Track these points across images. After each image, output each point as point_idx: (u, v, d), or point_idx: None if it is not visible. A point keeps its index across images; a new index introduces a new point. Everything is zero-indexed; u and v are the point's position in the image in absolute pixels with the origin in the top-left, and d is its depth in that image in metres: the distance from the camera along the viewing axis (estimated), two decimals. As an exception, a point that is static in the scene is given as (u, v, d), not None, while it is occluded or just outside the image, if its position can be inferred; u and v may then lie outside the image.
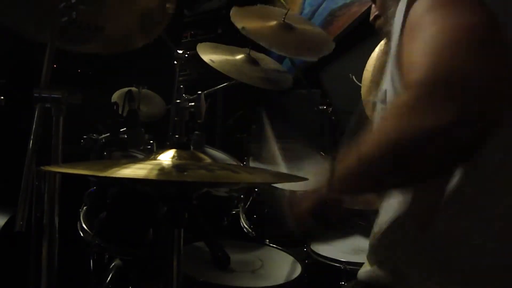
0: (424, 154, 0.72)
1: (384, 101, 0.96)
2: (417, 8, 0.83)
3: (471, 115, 0.68)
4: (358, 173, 0.81)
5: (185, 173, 0.78)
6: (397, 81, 0.90)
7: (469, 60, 0.72)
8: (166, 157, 0.87)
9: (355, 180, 0.84)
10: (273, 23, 1.98)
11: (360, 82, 1.73)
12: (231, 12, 1.90)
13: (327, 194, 0.91)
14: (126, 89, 2.11)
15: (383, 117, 0.79)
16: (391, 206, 1.00)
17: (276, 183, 1.76)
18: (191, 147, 1.05)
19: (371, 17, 1.19)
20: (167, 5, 1.39)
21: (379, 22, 1.16)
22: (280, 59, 2.58)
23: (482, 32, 0.75)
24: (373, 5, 1.19)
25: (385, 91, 0.96)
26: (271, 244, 1.65)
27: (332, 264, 1.54)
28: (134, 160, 1.48)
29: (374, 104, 1.03)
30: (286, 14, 1.96)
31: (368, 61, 1.71)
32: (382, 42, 1.14)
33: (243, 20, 1.89)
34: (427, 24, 0.79)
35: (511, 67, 0.74)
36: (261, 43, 1.87)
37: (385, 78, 0.98)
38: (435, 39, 0.76)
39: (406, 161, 0.74)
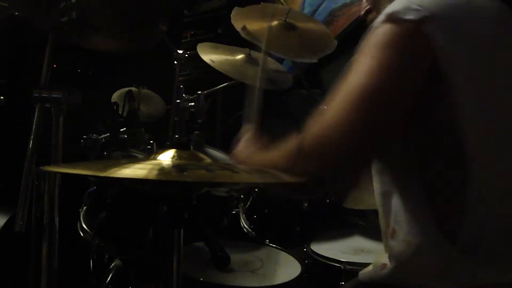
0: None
1: None
2: (369, 37, 0.92)
3: (326, 182, 0.90)
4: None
5: (185, 173, 0.78)
6: None
7: (344, 127, 0.86)
8: (166, 157, 0.87)
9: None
10: (275, 23, 1.97)
11: (360, 82, 1.72)
12: (232, 14, 1.89)
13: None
14: (126, 89, 2.11)
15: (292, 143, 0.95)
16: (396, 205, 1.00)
17: (276, 182, 1.76)
18: (191, 147, 1.05)
19: (362, 12, 1.18)
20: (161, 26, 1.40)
21: (371, 16, 1.15)
22: (280, 59, 2.57)
23: (373, 103, 0.86)
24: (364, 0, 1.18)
25: None
26: (271, 244, 1.65)
27: (332, 264, 1.54)
28: (134, 160, 1.48)
29: None
30: (287, 13, 1.96)
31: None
32: None
33: (244, 21, 1.88)
34: (351, 71, 0.92)
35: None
36: (260, 45, 1.87)
37: None
38: (339, 98, 0.90)
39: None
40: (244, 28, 1.82)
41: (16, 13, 2.28)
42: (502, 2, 0.99)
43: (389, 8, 0.90)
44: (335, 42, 2.04)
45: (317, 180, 0.88)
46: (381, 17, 0.90)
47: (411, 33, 0.86)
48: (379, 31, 0.89)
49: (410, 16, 0.86)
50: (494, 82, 0.91)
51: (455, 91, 0.85)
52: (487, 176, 0.87)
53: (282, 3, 2.66)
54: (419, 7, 0.86)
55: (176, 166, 0.81)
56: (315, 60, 1.99)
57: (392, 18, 0.88)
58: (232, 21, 1.87)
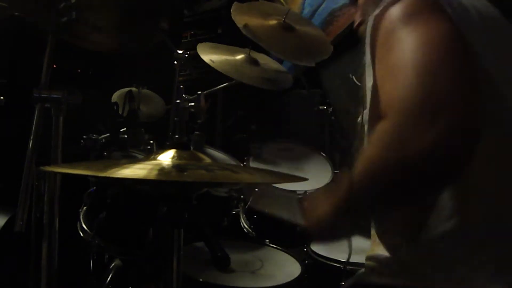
0: (412, 180, 0.75)
1: (367, 121, 0.99)
2: (383, 21, 0.86)
3: (452, 138, 0.72)
4: (353, 201, 0.83)
5: (185, 173, 0.78)
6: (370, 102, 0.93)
7: (442, 84, 0.74)
8: (166, 157, 0.87)
9: (352, 207, 0.85)
10: (274, 22, 1.97)
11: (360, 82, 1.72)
12: (232, 8, 1.89)
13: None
14: (126, 89, 2.11)
15: (368, 145, 0.83)
16: None
17: (276, 183, 1.76)
18: (191, 147, 1.05)
19: (355, 24, 1.18)
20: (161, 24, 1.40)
21: (361, 28, 1.15)
22: (280, 59, 2.57)
23: (451, 49, 0.78)
24: (357, 13, 1.19)
25: (367, 111, 0.98)
26: (271, 244, 1.65)
27: (332, 264, 1.54)
28: (134, 160, 1.48)
29: (361, 125, 1.04)
30: (286, 14, 1.96)
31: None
32: None
33: (244, 17, 1.88)
34: (399, 44, 0.81)
35: (478, 78, 0.77)
36: (261, 44, 1.87)
37: (365, 96, 0.99)
38: (407, 65, 0.78)
39: (395, 187, 0.78)
40: (246, 26, 1.82)
41: (16, 13, 2.28)
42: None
43: None
44: (331, 48, 2.04)
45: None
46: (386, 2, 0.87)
47: (432, 3, 0.84)
48: (396, 10, 0.84)
49: None
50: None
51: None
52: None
53: (282, 3, 2.67)
54: None
55: (176, 166, 0.81)
56: (312, 64, 1.99)
57: None
58: (232, 16, 1.86)
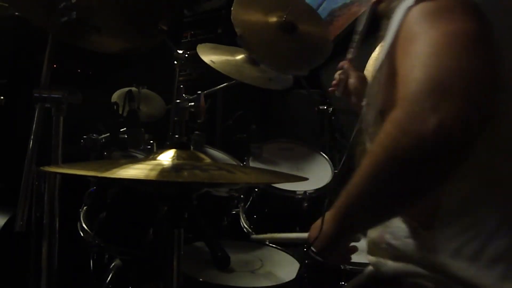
0: (419, 163, 0.74)
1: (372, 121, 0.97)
2: (412, 15, 0.84)
3: (455, 121, 0.70)
4: (354, 202, 0.85)
5: (181, 173, 0.78)
6: (380, 89, 0.92)
7: (452, 67, 0.74)
8: (166, 157, 0.87)
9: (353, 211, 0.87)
10: (274, 20, 1.96)
11: (360, 82, 1.72)
12: (233, 5, 1.88)
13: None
14: (126, 89, 2.11)
15: (379, 135, 0.80)
16: None
17: (276, 182, 1.76)
18: (191, 147, 1.05)
19: (373, 1, 1.15)
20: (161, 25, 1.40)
21: (382, 6, 1.12)
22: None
23: (468, 37, 0.77)
24: None
25: (374, 94, 0.96)
26: (271, 244, 1.65)
27: (332, 264, 1.54)
28: (133, 160, 1.48)
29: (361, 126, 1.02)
30: (287, 12, 1.95)
31: (368, 61, 1.70)
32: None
33: (243, 16, 1.87)
34: (418, 36, 0.81)
35: (497, 68, 0.76)
36: (253, 56, 1.86)
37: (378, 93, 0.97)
38: (423, 51, 0.78)
39: (406, 174, 0.76)
40: (241, 36, 1.81)
41: (16, 13, 2.28)
42: None
43: None
44: (331, 46, 2.03)
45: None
46: None
47: (464, 2, 0.81)
48: (427, 5, 0.82)
49: None
50: None
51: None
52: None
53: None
54: None
55: (174, 167, 0.81)
56: (305, 73, 1.99)
57: None
58: (232, 16, 1.85)
